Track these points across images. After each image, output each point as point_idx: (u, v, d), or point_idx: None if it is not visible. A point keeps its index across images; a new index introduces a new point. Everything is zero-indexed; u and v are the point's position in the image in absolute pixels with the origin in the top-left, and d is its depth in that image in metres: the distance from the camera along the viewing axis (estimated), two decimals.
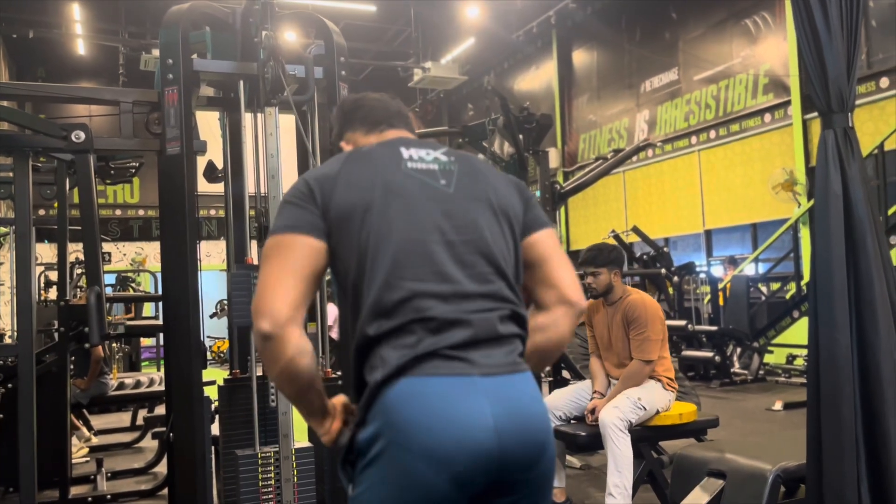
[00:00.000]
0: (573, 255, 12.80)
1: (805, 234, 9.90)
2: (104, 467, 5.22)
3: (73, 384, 5.41)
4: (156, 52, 3.41)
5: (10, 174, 4.69)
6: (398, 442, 1.32)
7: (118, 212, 17.04)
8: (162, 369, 7.86)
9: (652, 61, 13.65)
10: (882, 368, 2.34)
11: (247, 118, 3.40)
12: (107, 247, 14.34)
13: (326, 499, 3.39)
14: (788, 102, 10.89)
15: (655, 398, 3.83)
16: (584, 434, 3.78)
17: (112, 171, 5.65)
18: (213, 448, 3.41)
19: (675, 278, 9.79)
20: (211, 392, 3.30)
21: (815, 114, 2.57)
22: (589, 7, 14.88)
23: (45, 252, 12.01)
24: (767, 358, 9.36)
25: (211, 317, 11.34)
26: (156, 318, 10.35)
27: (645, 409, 3.75)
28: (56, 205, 4.88)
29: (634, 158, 13.01)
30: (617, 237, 10.40)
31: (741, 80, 11.84)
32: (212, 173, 3.72)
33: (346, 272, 1.47)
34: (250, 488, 3.04)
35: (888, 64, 9.62)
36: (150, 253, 15.92)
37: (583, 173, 7.59)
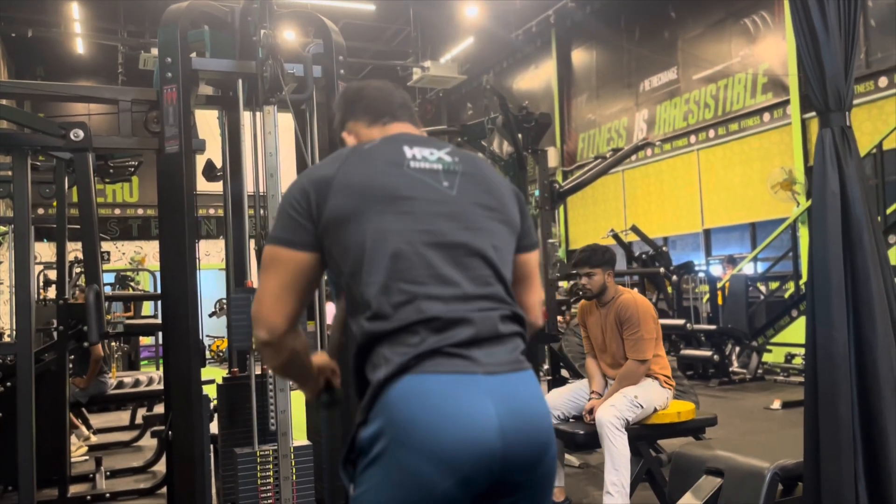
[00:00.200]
0: (572, 255, 12.77)
1: (804, 234, 9.90)
2: (103, 466, 5.22)
3: (72, 383, 5.41)
4: (154, 51, 3.41)
5: (9, 173, 4.69)
6: (400, 440, 1.30)
7: (117, 211, 17.03)
8: (161, 368, 7.86)
9: (651, 61, 13.65)
10: (879, 366, 2.35)
11: (245, 117, 3.40)
12: (106, 246, 14.34)
13: (325, 497, 3.39)
14: (787, 102, 10.90)
15: (652, 396, 3.84)
16: (582, 433, 3.78)
17: (111, 170, 5.65)
18: (211, 446, 3.41)
19: (674, 277, 9.80)
20: (210, 391, 3.30)
21: (814, 113, 2.57)
22: (588, 6, 14.88)
23: (44, 251, 12.01)
24: (766, 357, 9.36)
25: (210, 316, 11.33)
26: (155, 316, 10.35)
27: (642, 407, 3.76)
28: (55, 203, 4.88)
29: (633, 158, 13.02)
30: (616, 236, 10.41)
31: (740, 80, 11.84)
32: (211, 172, 3.72)
33: (340, 273, 1.48)
34: (249, 486, 3.05)
35: (887, 63, 9.62)
36: (149, 252, 15.90)
37: (582, 172, 7.59)
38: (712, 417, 4.17)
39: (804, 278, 8.56)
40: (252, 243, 3.49)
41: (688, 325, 8.83)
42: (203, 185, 3.64)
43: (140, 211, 17.16)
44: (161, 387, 5.82)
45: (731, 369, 8.99)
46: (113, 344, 8.66)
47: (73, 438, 5.71)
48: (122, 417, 7.41)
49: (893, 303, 2.44)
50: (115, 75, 14.90)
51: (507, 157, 6.28)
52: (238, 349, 3.14)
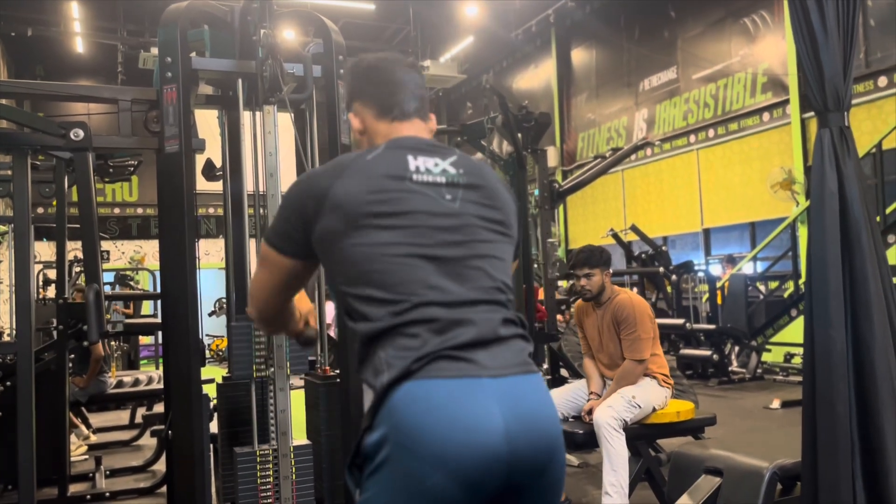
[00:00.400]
0: (571, 254, 12.78)
1: (803, 233, 9.90)
2: (103, 465, 5.22)
3: (71, 382, 5.41)
4: (154, 51, 3.42)
5: (9, 172, 4.69)
6: (405, 446, 1.29)
7: (117, 210, 17.03)
8: (161, 367, 7.86)
9: (651, 60, 13.65)
10: (877, 366, 2.35)
11: (245, 116, 3.40)
12: (105, 245, 14.34)
13: (325, 496, 3.39)
14: (787, 101, 10.90)
15: (651, 396, 3.84)
16: (581, 432, 3.79)
17: (111, 170, 5.65)
18: (211, 446, 3.41)
19: (674, 277, 9.80)
20: (209, 390, 3.31)
21: (814, 113, 2.58)
22: (588, 6, 14.88)
23: (44, 250, 12.01)
24: (765, 356, 9.37)
25: (209, 315, 11.34)
26: (154, 316, 10.35)
27: (640, 407, 3.76)
28: (55, 203, 4.88)
29: (633, 157, 13.02)
30: (615, 236, 10.41)
31: (740, 79, 11.85)
32: (210, 171, 3.72)
33: (335, 281, 1.48)
34: (249, 486, 3.05)
35: (886, 63, 9.63)
36: (149, 251, 15.91)
37: (581, 172, 7.60)
38: (711, 417, 4.17)
39: (803, 278, 8.57)
40: (252, 243, 3.49)
41: (687, 324, 8.83)
42: (203, 185, 3.65)
43: (140, 210, 17.16)
44: (161, 386, 5.82)
45: (730, 369, 8.99)
46: (113, 343, 8.67)
47: (73, 437, 5.71)
48: (122, 417, 7.41)
49: (891, 302, 2.44)
50: (114, 75, 14.90)
51: (506, 157, 6.29)
52: (238, 378, 3.13)
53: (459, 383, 1.33)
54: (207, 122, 3.80)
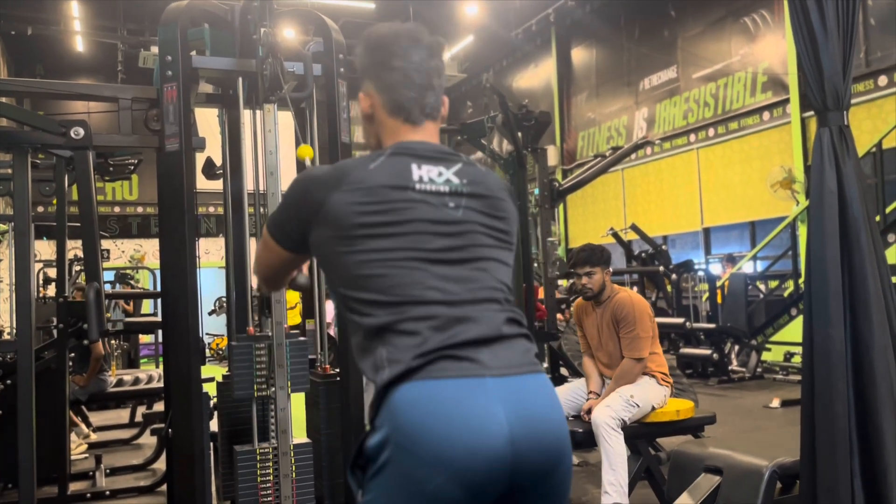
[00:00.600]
0: (571, 253, 12.78)
1: (803, 232, 9.90)
2: (103, 463, 5.23)
3: (72, 381, 5.41)
4: (154, 50, 3.41)
5: (9, 171, 4.69)
6: (407, 448, 1.27)
7: (117, 209, 17.03)
8: (161, 366, 7.86)
9: (651, 59, 13.65)
10: (875, 365, 2.35)
11: (245, 115, 3.40)
12: (105, 244, 14.34)
13: (325, 495, 3.40)
14: (787, 100, 10.90)
15: (649, 395, 3.84)
16: (580, 431, 3.79)
17: (111, 168, 5.65)
18: (211, 444, 3.42)
19: (674, 276, 9.80)
20: (209, 389, 3.31)
21: (813, 112, 2.58)
22: (588, 5, 14.88)
23: (44, 249, 12.01)
24: (765, 355, 9.37)
25: (209, 314, 11.34)
26: (154, 315, 10.36)
27: (638, 406, 3.76)
28: (55, 201, 4.88)
29: (633, 156, 13.02)
30: (616, 235, 10.41)
31: (740, 79, 11.85)
32: (210, 170, 3.72)
33: (333, 284, 1.47)
34: (249, 484, 3.06)
35: (887, 62, 9.63)
36: (149, 250, 15.91)
37: (581, 171, 7.60)
38: (711, 416, 4.17)
39: (803, 277, 8.58)
40: (252, 241, 3.49)
41: (687, 323, 8.83)
42: (203, 184, 3.65)
43: (140, 209, 17.16)
44: (160, 385, 5.83)
45: (730, 368, 8.99)
46: (113, 342, 8.67)
47: (73, 436, 5.71)
48: (122, 415, 7.41)
49: (890, 301, 2.44)
50: (114, 73, 14.90)
51: (506, 156, 6.29)
52: (239, 398, 3.13)
53: (462, 383, 1.31)
54: (207, 121, 3.80)
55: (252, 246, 3.49)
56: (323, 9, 3.67)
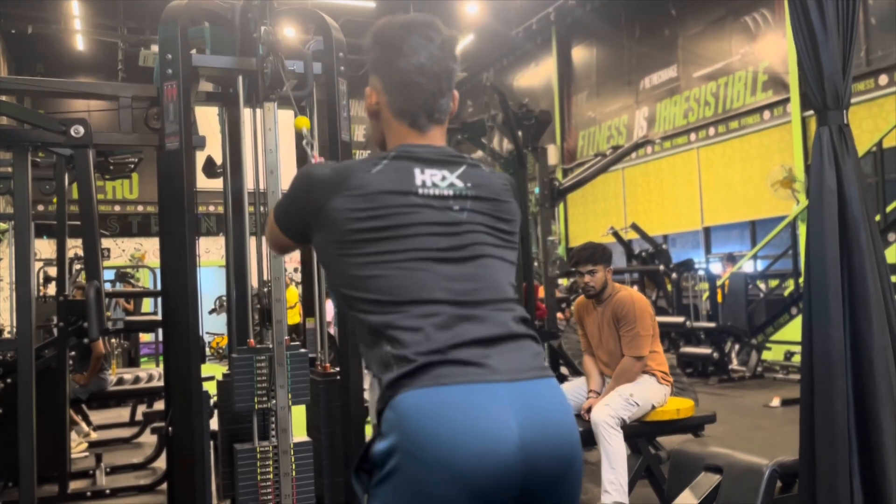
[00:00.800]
0: (571, 253, 12.80)
1: (803, 231, 9.88)
2: (103, 462, 5.23)
3: (72, 379, 5.42)
4: (154, 48, 3.41)
5: (9, 169, 4.69)
6: (416, 456, 1.25)
7: (117, 207, 17.04)
8: (161, 365, 7.86)
9: (651, 58, 13.65)
10: (875, 364, 2.35)
11: (246, 114, 3.40)
12: (106, 243, 14.34)
13: (325, 493, 3.40)
14: (788, 100, 10.90)
15: (649, 393, 3.84)
16: (580, 430, 3.77)
17: (111, 167, 5.65)
18: (211, 443, 3.42)
19: (674, 275, 9.80)
20: (210, 387, 3.31)
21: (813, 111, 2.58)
22: (588, 4, 14.88)
23: (44, 248, 12.01)
24: (765, 355, 9.37)
25: (210, 313, 11.34)
26: (154, 313, 10.36)
27: (638, 405, 3.76)
28: (55, 200, 4.88)
29: (633, 155, 13.02)
30: (616, 234, 10.42)
31: (740, 78, 11.84)
32: (211, 169, 3.72)
33: (333, 283, 1.46)
34: (249, 483, 3.05)
35: (887, 61, 9.62)
36: (149, 249, 15.91)
37: (582, 170, 7.60)
38: (711, 415, 4.18)
39: (803, 276, 8.58)
40: (252, 240, 3.49)
41: (687, 322, 8.83)
42: (203, 182, 3.64)
43: (140, 208, 17.17)
44: (161, 383, 5.83)
45: (730, 367, 8.99)
46: (113, 340, 8.67)
47: (73, 435, 5.72)
48: (122, 414, 7.42)
49: (890, 301, 2.44)
50: (114, 72, 14.90)
51: (507, 155, 6.29)
52: (240, 410, 3.13)
53: (472, 389, 1.29)
54: (208, 120, 3.80)
55: (252, 245, 3.49)
56: (323, 7, 3.66)
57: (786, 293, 9.88)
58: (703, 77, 12.59)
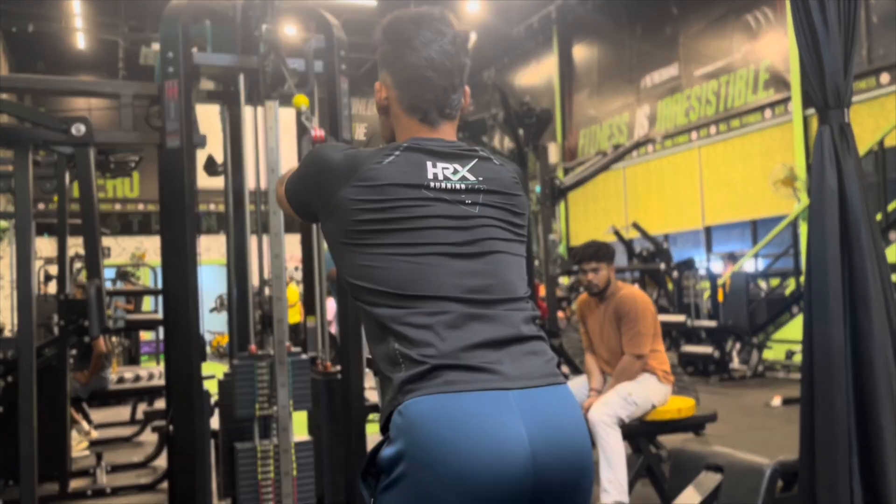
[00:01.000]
0: (572, 251, 12.82)
1: (804, 230, 9.89)
2: (104, 461, 5.23)
3: (73, 378, 5.42)
4: (155, 47, 3.41)
5: (10, 167, 4.69)
6: (424, 465, 1.23)
7: (118, 206, 17.03)
8: (161, 363, 7.86)
9: (652, 56, 13.64)
10: (875, 363, 2.35)
11: (247, 112, 3.40)
12: (106, 241, 14.34)
13: (325, 492, 3.40)
14: (789, 98, 10.89)
15: (649, 392, 3.83)
16: None
17: (112, 165, 5.65)
18: (212, 442, 3.42)
19: (675, 274, 9.80)
20: (210, 386, 3.31)
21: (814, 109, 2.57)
22: (590, 2, 14.86)
23: (45, 246, 12.01)
24: (766, 354, 9.37)
25: (210, 311, 11.34)
26: (155, 312, 10.36)
27: (636, 404, 3.75)
28: (56, 198, 4.88)
29: (634, 154, 13.01)
30: (617, 233, 10.41)
31: (742, 76, 11.83)
32: (212, 167, 3.72)
33: (342, 272, 1.44)
34: (249, 482, 3.05)
35: (889, 60, 9.61)
36: (150, 247, 15.92)
37: (583, 168, 7.60)
38: (712, 414, 4.17)
39: (804, 275, 8.56)
40: (254, 239, 3.49)
41: (688, 321, 8.83)
42: (204, 181, 3.64)
43: (141, 206, 17.17)
44: (161, 382, 5.83)
45: (731, 366, 9.00)
46: (113, 339, 8.67)
47: (74, 433, 5.72)
48: (123, 413, 7.42)
49: (890, 300, 2.44)
50: (115, 71, 14.90)
51: (507, 153, 6.29)
52: (242, 417, 3.12)
53: (483, 398, 1.26)
54: (209, 118, 3.80)
55: (253, 243, 3.49)
56: (324, 5, 3.66)
57: (787, 292, 9.87)
58: (704, 75, 12.58)
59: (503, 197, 1.47)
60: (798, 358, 9.21)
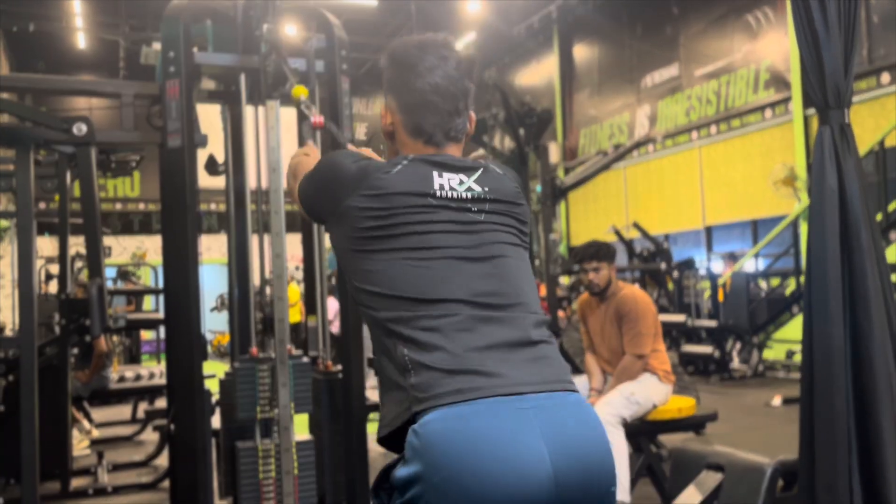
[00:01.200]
0: (572, 251, 12.82)
1: (805, 230, 9.88)
2: (105, 459, 5.24)
3: (74, 377, 5.42)
4: (156, 46, 3.42)
5: (11, 167, 4.69)
6: (441, 489, 1.20)
7: (118, 205, 17.04)
8: (162, 362, 7.87)
9: (653, 56, 13.64)
10: (875, 362, 2.35)
11: (248, 111, 3.40)
12: (107, 240, 14.35)
13: (326, 491, 3.40)
14: (789, 98, 10.89)
15: (650, 392, 3.83)
16: None
17: (113, 165, 5.65)
18: (213, 441, 3.42)
19: (675, 274, 9.80)
20: (211, 385, 3.31)
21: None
22: (590, 2, 14.86)
23: (46, 246, 12.01)
24: (766, 353, 9.37)
25: (211, 311, 11.35)
26: (156, 311, 10.36)
27: (639, 403, 3.75)
28: (57, 198, 4.88)
29: (635, 154, 13.01)
30: (617, 232, 10.41)
31: (742, 76, 11.83)
32: (213, 167, 3.73)
33: (347, 276, 1.45)
34: (250, 481, 3.06)
35: (889, 60, 9.60)
36: (151, 247, 15.92)
37: (583, 168, 7.60)
38: (712, 413, 4.17)
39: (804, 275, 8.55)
40: (255, 238, 3.50)
41: (689, 321, 8.83)
42: (205, 180, 3.65)
43: (142, 205, 17.17)
44: (162, 381, 5.83)
45: (731, 366, 9.00)
46: (114, 338, 8.68)
47: (75, 432, 5.72)
48: (124, 412, 7.42)
49: (890, 300, 2.44)
50: (116, 70, 14.90)
51: (508, 153, 6.30)
52: (244, 418, 3.12)
53: (499, 409, 1.24)
54: (210, 118, 3.80)
55: (254, 243, 3.49)
56: (325, 5, 3.66)
57: (787, 292, 9.87)
58: (704, 75, 12.58)
59: (508, 206, 1.48)
60: (798, 358, 9.21)
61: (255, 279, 3.58)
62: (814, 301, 2.45)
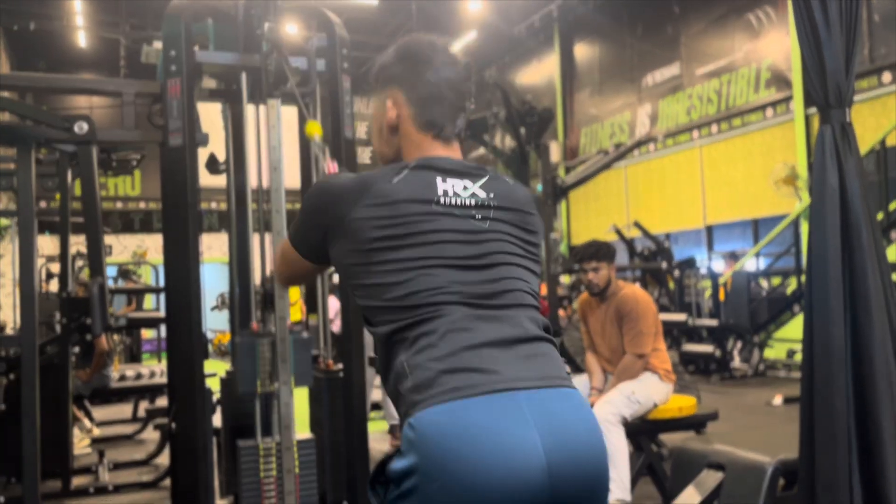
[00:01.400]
0: (573, 250, 12.82)
1: (806, 229, 9.87)
2: (106, 458, 5.24)
3: (75, 376, 5.43)
4: (157, 45, 3.41)
5: (12, 165, 4.70)
6: (436, 479, 1.22)
7: (119, 204, 17.05)
8: (163, 361, 7.87)
9: (654, 55, 13.63)
10: (875, 361, 2.36)
11: (249, 110, 3.40)
12: (108, 239, 14.36)
13: (327, 490, 3.40)
14: (790, 97, 10.88)
15: (651, 391, 3.84)
16: None
17: (114, 163, 5.65)
18: (214, 439, 3.42)
19: (676, 273, 9.80)
20: (212, 384, 3.32)
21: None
22: (591, 1, 14.85)
23: (46, 244, 12.02)
24: (767, 353, 9.37)
25: (212, 309, 11.35)
26: (157, 310, 10.37)
27: (639, 402, 3.76)
28: (58, 196, 4.89)
29: (636, 153, 13.01)
30: (618, 232, 10.41)
31: (743, 75, 11.82)
32: (214, 166, 3.73)
33: (350, 290, 1.44)
34: (251, 479, 3.06)
35: (890, 59, 9.60)
36: (152, 246, 15.93)
37: (584, 167, 7.60)
38: (713, 412, 4.18)
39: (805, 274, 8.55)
40: (256, 237, 3.50)
41: (689, 320, 8.83)
42: (206, 179, 3.65)
43: (142, 204, 17.17)
44: (163, 380, 5.84)
45: (732, 365, 9.00)
46: (115, 337, 8.68)
47: (76, 431, 5.73)
48: (125, 410, 7.43)
49: (890, 299, 2.44)
50: (117, 69, 14.90)
51: (509, 152, 6.29)
52: (244, 393, 3.12)
53: (493, 405, 1.25)
54: (211, 116, 3.80)
55: (255, 242, 3.49)
56: (326, 4, 3.66)
57: (788, 291, 9.87)
58: (705, 74, 12.57)
59: (515, 214, 1.47)
60: (799, 357, 9.19)
61: (256, 278, 3.58)
62: (814, 300, 2.45)
